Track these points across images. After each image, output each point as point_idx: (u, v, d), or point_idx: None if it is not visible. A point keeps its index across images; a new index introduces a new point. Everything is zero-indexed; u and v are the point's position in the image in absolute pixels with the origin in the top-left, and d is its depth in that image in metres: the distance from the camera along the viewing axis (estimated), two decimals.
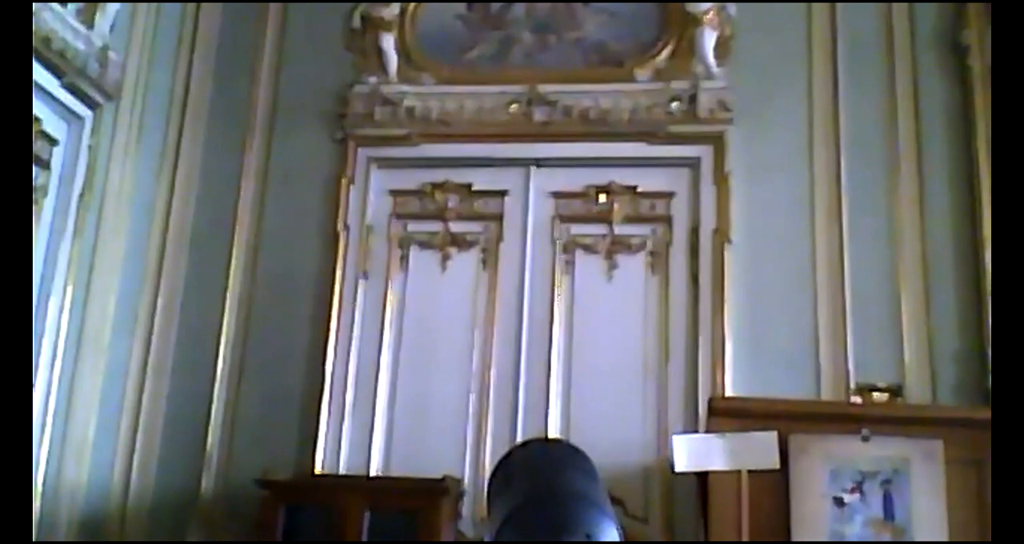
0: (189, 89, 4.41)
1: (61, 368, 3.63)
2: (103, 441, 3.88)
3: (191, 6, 4.49)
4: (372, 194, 4.28)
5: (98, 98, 3.82)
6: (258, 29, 4.53)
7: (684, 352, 3.90)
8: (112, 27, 3.90)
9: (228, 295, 4.19)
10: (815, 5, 4.18)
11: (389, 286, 4.18)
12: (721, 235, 3.95)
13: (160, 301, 4.16)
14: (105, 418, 3.90)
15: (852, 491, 2.92)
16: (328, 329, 4.07)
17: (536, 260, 4.12)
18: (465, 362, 4.02)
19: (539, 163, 4.23)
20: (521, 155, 4.22)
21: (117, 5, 3.91)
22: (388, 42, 4.37)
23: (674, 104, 4.12)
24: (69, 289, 3.67)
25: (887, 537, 2.88)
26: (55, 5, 3.53)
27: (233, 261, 4.23)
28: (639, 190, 4.11)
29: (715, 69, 4.14)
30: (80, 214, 3.74)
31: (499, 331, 4.04)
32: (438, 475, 3.56)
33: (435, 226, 4.22)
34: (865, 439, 2.95)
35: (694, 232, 4.02)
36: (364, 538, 3.43)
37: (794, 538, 2.89)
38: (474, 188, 4.23)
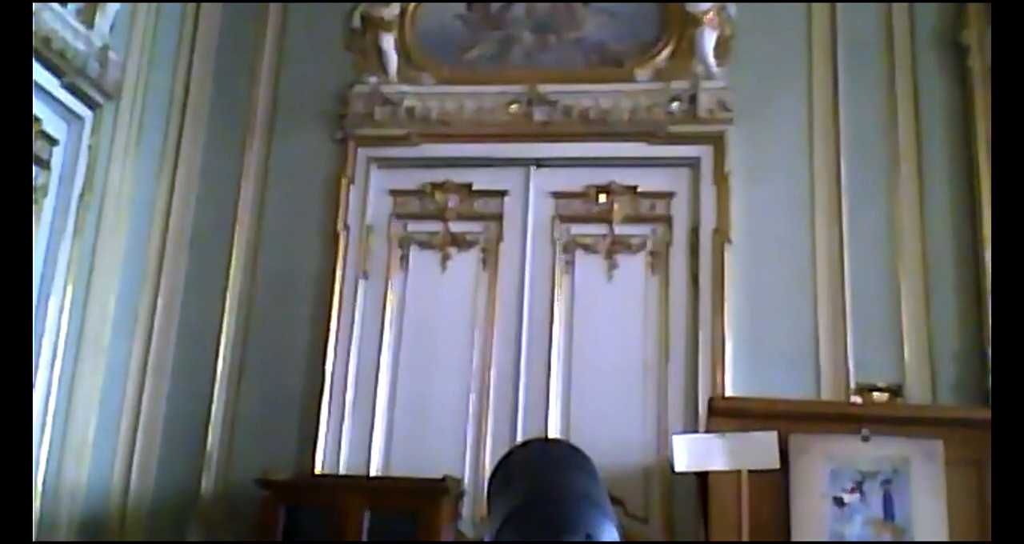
0: (189, 89, 4.41)
1: (61, 368, 3.63)
2: (103, 441, 3.88)
3: (191, 6, 4.48)
4: (372, 194, 4.28)
5: (98, 98, 3.82)
6: (258, 29, 4.53)
7: (684, 352, 3.90)
8: (112, 27, 3.89)
9: (228, 295, 4.19)
10: (815, 5, 4.18)
11: (389, 286, 4.18)
12: (721, 235, 3.95)
13: (160, 301, 4.16)
14: (105, 418, 3.89)
15: (852, 491, 2.92)
16: (328, 329, 4.07)
17: (536, 260, 4.12)
18: (465, 362, 4.02)
19: (539, 163, 4.23)
20: (521, 155, 4.22)
21: (117, 5, 3.91)
22: (388, 42, 4.37)
23: (674, 104, 4.12)
24: (69, 289, 3.66)
25: (887, 537, 2.88)
26: (55, 5, 3.53)
27: (233, 261, 4.23)
28: (639, 190, 4.12)
29: (715, 69, 4.14)
30: (80, 214, 3.74)
31: (499, 331, 4.04)
32: (438, 475, 3.56)
33: (435, 226, 4.22)
34: (865, 439, 2.95)
35: (694, 232, 4.03)
36: (364, 538, 3.43)
37: (794, 538, 2.89)
38: (474, 188, 4.23)
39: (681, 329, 3.94)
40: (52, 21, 3.50)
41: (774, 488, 2.92)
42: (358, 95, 4.34)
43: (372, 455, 3.96)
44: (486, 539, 1.60)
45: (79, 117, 3.77)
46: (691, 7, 4.16)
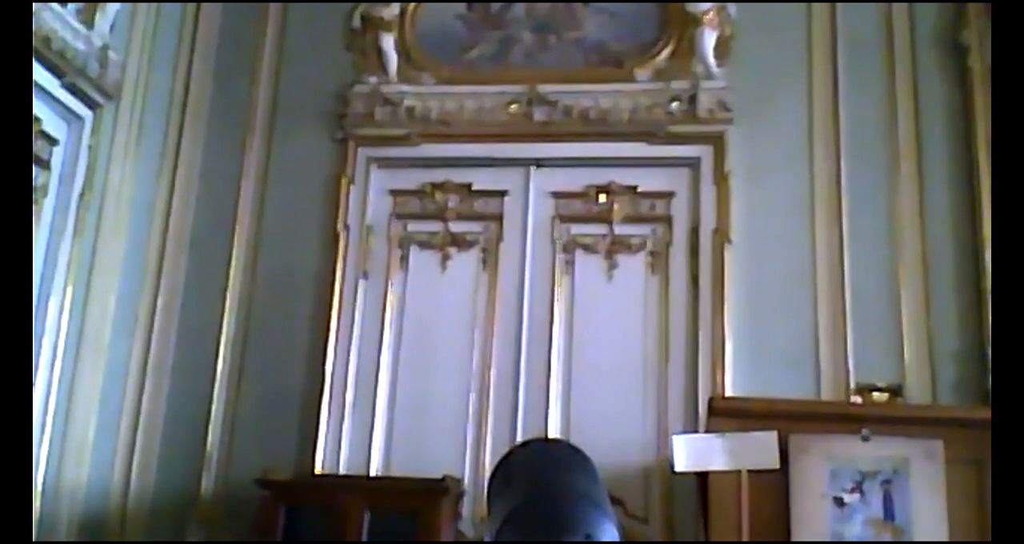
0: (189, 89, 4.40)
1: (61, 368, 3.63)
2: (103, 441, 3.88)
3: (191, 6, 4.48)
4: (372, 194, 4.28)
5: (98, 98, 3.81)
6: (258, 29, 4.53)
7: (684, 352, 3.90)
8: (112, 27, 3.89)
9: (228, 295, 4.19)
10: (815, 5, 4.18)
11: (389, 286, 4.18)
12: (721, 235, 3.95)
13: (160, 301, 4.16)
14: (105, 418, 3.89)
15: (852, 491, 2.92)
16: (328, 329, 4.07)
17: (536, 260, 4.12)
18: (465, 362, 4.02)
19: (539, 163, 4.23)
20: (521, 155, 4.22)
21: (117, 5, 3.91)
22: (388, 42, 4.37)
23: (674, 104, 4.12)
24: (69, 289, 3.66)
25: (887, 537, 2.88)
26: (55, 5, 3.53)
27: (233, 261, 4.23)
28: (639, 190, 4.12)
29: (715, 69, 4.14)
30: (80, 214, 3.74)
31: (499, 331, 4.04)
32: (438, 475, 3.56)
33: (435, 226, 4.22)
34: (865, 439, 2.95)
35: (694, 232, 4.03)
36: (364, 538, 3.43)
37: (794, 538, 2.89)
38: (474, 188, 4.23)
39: (681, 329, 3.94)
40: (52, 21, 3.50)
41: (774, 488, 2.92)
42: (358, 95, 4.34)
43: (372, 455, 3.96)
44: (486, 539, 1.60)
45: (79, 117, 3.77)
46: (691, 7, 4.16)
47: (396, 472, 3.91)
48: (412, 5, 4.46)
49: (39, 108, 3.50)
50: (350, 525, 3.43)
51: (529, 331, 4.03)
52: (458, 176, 4.23)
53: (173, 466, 4.01)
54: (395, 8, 4.41)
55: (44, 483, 3.53)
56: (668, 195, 4.11)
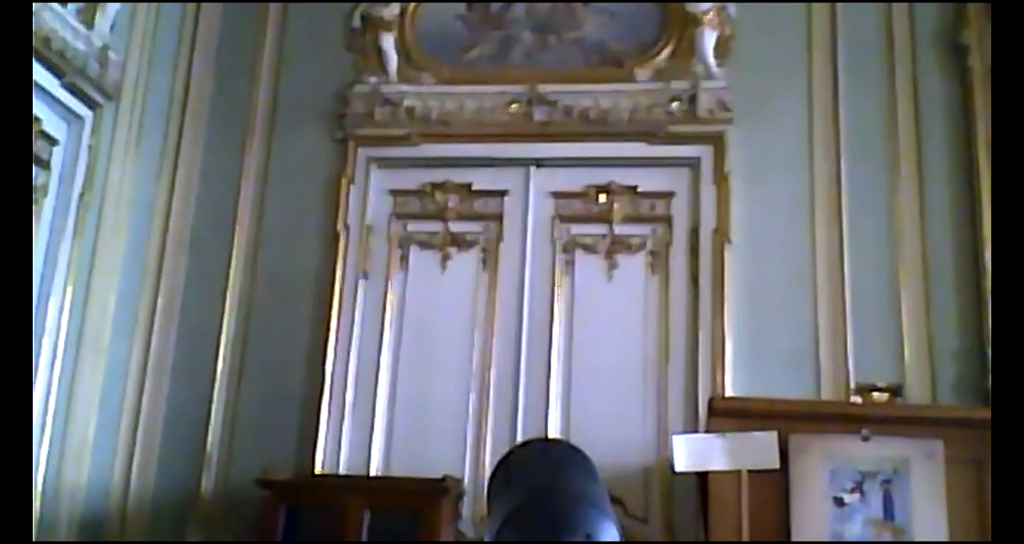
0: (189, 89, 4.41)
1: (61, 368, 3.63)
2: (103, 441, 3.88)
3: (191, 6, 4.48)
4: (372, 194, 4.28)
5: (98, 98, 3.82)
6: (258, 29, 4.53)
7: (684, 352, 3.90)
8: (112, 27, 3.90)
9: (228, 295, 4.19)
10: (815, 5, 4.18)
11: (389, 286, 4.18)
12: (721, 235, 3.95)
13: (160, 301, 4.16)
14: (105, 418, 3.90)
15: (852, 491, 2.92)
16: (328, 329, 4.07)
17: (536, 260, 4.12)
18: (465, 362, 4.02)
19: (539, 163, 4.23)
20: (521, 155, 4.22)
21: (117, 5, 3.91)
22: (388, 42, 4.37)
23: (674, 104, 4.12)
24: (69, 289, 3.66)
25: (887, 537, 2.88)
26: (55, 5, 3.53)
27: (233, 261, 4.23)
28: (639, 190, 4.11)
29: (715, 69, 4.14)
30: (80, 214, 3.74)
31: (499, 331, 4.04)
32: (438, 475, 3.56)
33: (435, 226, 4.22)
34: (865, 439, 2.95)
35: (694, 232, 4.02)
36: (364, 538, 3.43)
37: (794, 538, 2.89)
38: (474, 188, 4.23)
39: (681, 329, 3.93)
40: (52, 21, 3.50)
41: (774, 488, 2.92)
42: (358, 95, 4.34)
43: (372, 455, 3.96)
44: (486, 539, 1.60)
45: (79, 117, 3.77)
46: (691, 7, 4.16)
47: (396, 472, 3.91)
48: (412, 5, 4.46)
49: (39, 108, 3.51)
50: (350, 525, 3.43)
51: (529, 331, 4.03)
52: (458, 176, 4.23)
53: (173, 466, 4.01)
54: (395, 8, 4.41)
55: (44, 483, 3.54)
56: (668, 195, 4.11)
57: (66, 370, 3.67)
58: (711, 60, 4.14)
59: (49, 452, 3.56)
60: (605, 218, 4.11)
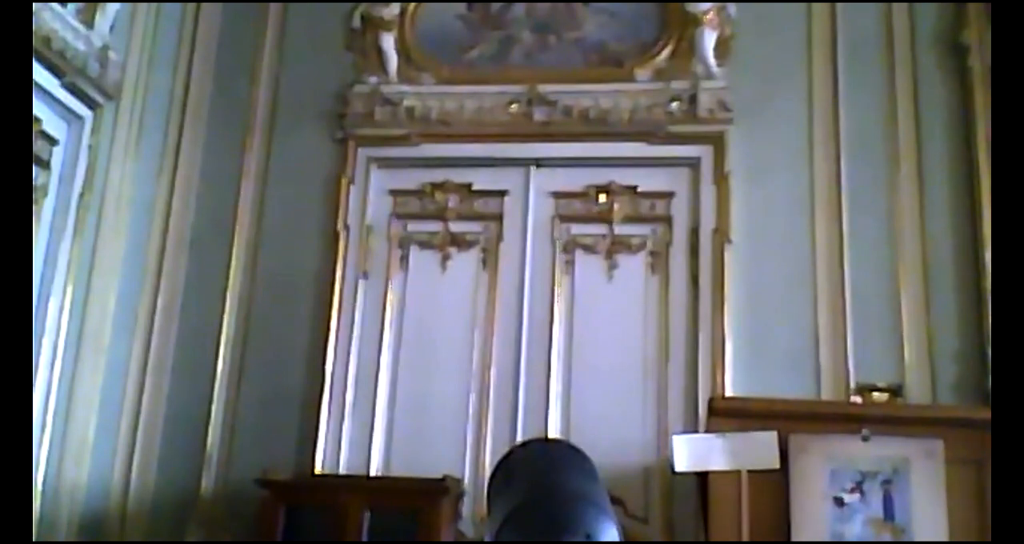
0: (189, 89, 4.41)
1: (61, 368, 3.63)
2: (103, 441, 3.88)
3: (191, 6, 4.48)
4: (372, 194, 4.28)
5: (98, 98, 3.82)
6: (258, 29, 4.53)
7: (684, 352, 3.90)
8: (112, 27, 3.90)
9: (228, 295, 4.19)
10: (815, 5, 4.18)
11: (389, 286, 4.18)
12: (721, 235, 3.95)
13: (160, 301, 4.16)
14: (105, 418, 3.90)
15: (852, 491, 2.92)
16: (328, 329, 4.07)
17: (536, 260, 4.12)
18: (465, 362, 4.02)
19: (539, 163, 4.23)
20: (521, 155, 4.22)
21: (117, 5, 3.91)
22: (388, 42, 4.37)
23: (674, 104, 4.12)
24: (69, 289, 3.67)
25: (887, 537, 2.88)
26: (55, 5, 3.53)
27: (233, 261, 4.23)
28: (639, 190, 4.12)
29: (715, 69, 4.14)
30: (80, 214, 3.74)
31: (499, 331, 4.04)
32: (438, 475, 3.56)
33: (435, 226, 4.22)
34: (865, 439, 2.95)
35: (694, 232, 4.02)
36: (364, 538, 3.43)
37: (794, 538, 2.89)
38: (474, 188, 4.23)
39: (681, 329, 3.93)
40: (52, 21, 3.50)
41: (774, 488, 2.92)
42: (358, 95, 4.34)
43: (372, 455, 3.96)
44: (486, 539, 1.60)
45: (79, 117, 3.77)
46: (691, 7, 4.17)
47: (396, 472, 3.91)
48: (412, 5, 4.46)
49: (39, 108, 3.51)
50: (350, 525, 3.44)
51: (529, 331, 4.03)
52: (458, 176, 4.23)
53: (173, 466, 4.01)
54: (395, 8, 4.41)
55: (44, 483, 3.54)
56: (668, 195, 4.11)
57: (66, 370, 3.67)
58: (711, 60, 4.14)
59: (49, 452, 3.56)
60: (605, 218, 4.11)
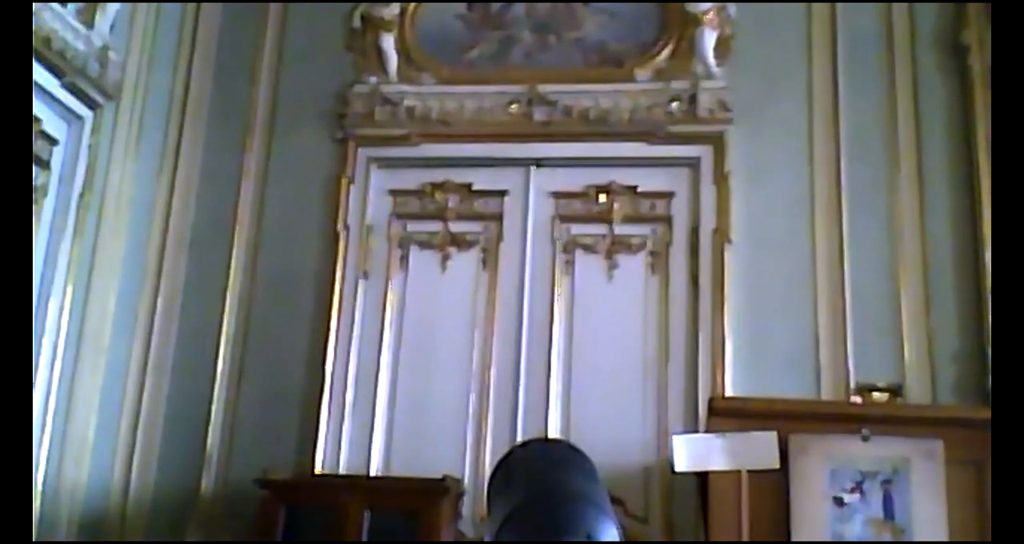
0: (189, 89, 4.41)
1: (61, 368, 3.63)
2: (103, 441, 3.88)
3: (191, 6, 4.49)
4: (372, 194, 4.28)
5: (98, 98, 3.82)
6: (258, 29, 4.53)
7: (684, 352, 3.90)
8: (112, 27, 3.90)
9: (228, 295, 4.19)
10: (815, 5, 4.18)
11: (389, 286, 4.18)
12: (721, 235, 3.95)
13: (160, 301, 4.16)
14: (105, 418, 3.90)
15: (852, 491, 2.92)
16: (328, 329, 4.07)
17: (536, 260, 4.12)
18: (465, 362, 4.02)
19: (539, 163, 4.23)
20: (521, 155, 4.22)
21: (117, 5, 3.92)
22: (388, 42, 4.37)
23: (674, 104, 4.12)
24: (69, 289, 3.67)
25: (887, 537, 2.88)
26: (55, 5, 3.53)
27: (233, 261, 4.23)
28: (639, 190, 4.12)
29: (715, 69, 4.14)
30: (80, 214, 3.74)
31: (499, 331, 4.04)
32: (438, 475, 3.56)
33: (435, 226, 4.22)
34: (865, 439, 2.95)
35: (694, 232, 4.03)
36: (364, 538, 3.43)
37: (794, 538, 2.88)
38: (474, 188, 4.23)
39: (681, 329, 3.94)
40: (52, 21, 3.50)
41: (774, 488, 2.92)
42: (358, 95, 4.34)
43: (372, 455, 3.96)
44: (486, 539, 1.60)
45: (79, 117, 3.77)
46: (691, 7, 4.17)
47: (396, 472, 3.91)
48: (412, 5, 4.46)
49: (39, 108, 3.51)
50: (350, 525, 3.44)
51: (529, 331, 4.03)
52: (458, 176, 4.23)
53: (173, 466, 4.01)
54: (395, 8, 4.41)
55: (44, 483, 3.54)
56: (668, 195, 4.11)
57: (66, 370, 3.67)
58: (711, 60, 4.14)
59: (49, 452, 3.57)
60: (605, 218, 4.11)
